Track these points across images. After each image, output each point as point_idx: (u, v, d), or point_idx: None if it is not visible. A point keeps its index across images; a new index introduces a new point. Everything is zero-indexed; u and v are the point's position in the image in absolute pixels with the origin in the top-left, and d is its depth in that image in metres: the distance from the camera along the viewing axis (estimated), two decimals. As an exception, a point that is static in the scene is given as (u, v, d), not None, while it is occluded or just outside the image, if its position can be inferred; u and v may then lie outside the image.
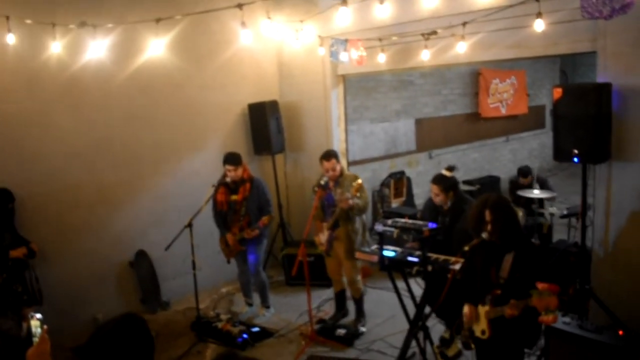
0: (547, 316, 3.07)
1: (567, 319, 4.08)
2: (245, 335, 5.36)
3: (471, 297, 3.53)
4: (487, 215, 3.42)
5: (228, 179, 5.56)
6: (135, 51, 5.90)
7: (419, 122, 9.92)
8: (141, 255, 6.20)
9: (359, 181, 5.11)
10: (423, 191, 9.94)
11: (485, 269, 3.42)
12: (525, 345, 3.57)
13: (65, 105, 5.58)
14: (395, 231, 4.30)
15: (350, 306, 5.84)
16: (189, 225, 5.31)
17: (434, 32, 5.26)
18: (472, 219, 3.52)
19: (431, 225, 4.17)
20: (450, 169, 4.88)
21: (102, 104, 5.83)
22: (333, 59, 5.91)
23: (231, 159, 5.57)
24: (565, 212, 6.73)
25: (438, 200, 4.81)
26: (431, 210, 5.00)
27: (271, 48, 7.43)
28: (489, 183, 10.37)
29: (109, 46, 5.63)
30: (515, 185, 7.72)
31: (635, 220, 4.52)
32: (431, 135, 10.22)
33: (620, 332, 3.93)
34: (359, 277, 5.61)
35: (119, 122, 5.98)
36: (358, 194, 5.13)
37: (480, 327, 3.44)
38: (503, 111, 11.93)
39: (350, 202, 5.12)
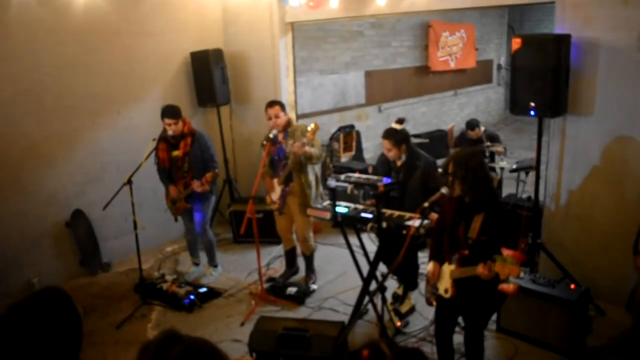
0: (508, 285, 2.99)
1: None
2: (192, 297, 5.15)
3: (437, 254, 3.43)
4: (450, 167, 3.29)
5: (170, 132, 5.21)
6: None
7: (368, 75, 9.73)
8: (78, 215, 5.81)
9: (316, 123, 4.85)
10: (373, 145, 9.84)
11: (453, 227, 3.31)
12: (490, 312, 3.51)
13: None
14: (349, 187, 4.12)
15: (301, 263, 5.71)
16: (129, 182, 4.97)
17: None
18: (442, 172, 3.40)
19: (386, 180, 4.01)
20: (400, 121, 4.69)
21: (28, 50, 5.26)
22: (283, 3, 5.58)
23: (169, 111, 5.19)
24: (515, 166, 6.74)
25: (391, 155, 4.60)
26: (384, 165, 4.81)
27: (214, -9, 6.94)
28: (438, 137, 10.36)
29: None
30: (463, 139, 7.65)
31: (586, 174, 4.53)
32: (381, 88, 10.07)
33: (572, 286, 3.96)
34: (311, 234, 5.46)
35: (48, 70, 5.43)
36: (311, 142, 4.90)
37: (444, 286, 3.36)
38: (452, 65, 11.86)
39: (307, 148, 4.89)
